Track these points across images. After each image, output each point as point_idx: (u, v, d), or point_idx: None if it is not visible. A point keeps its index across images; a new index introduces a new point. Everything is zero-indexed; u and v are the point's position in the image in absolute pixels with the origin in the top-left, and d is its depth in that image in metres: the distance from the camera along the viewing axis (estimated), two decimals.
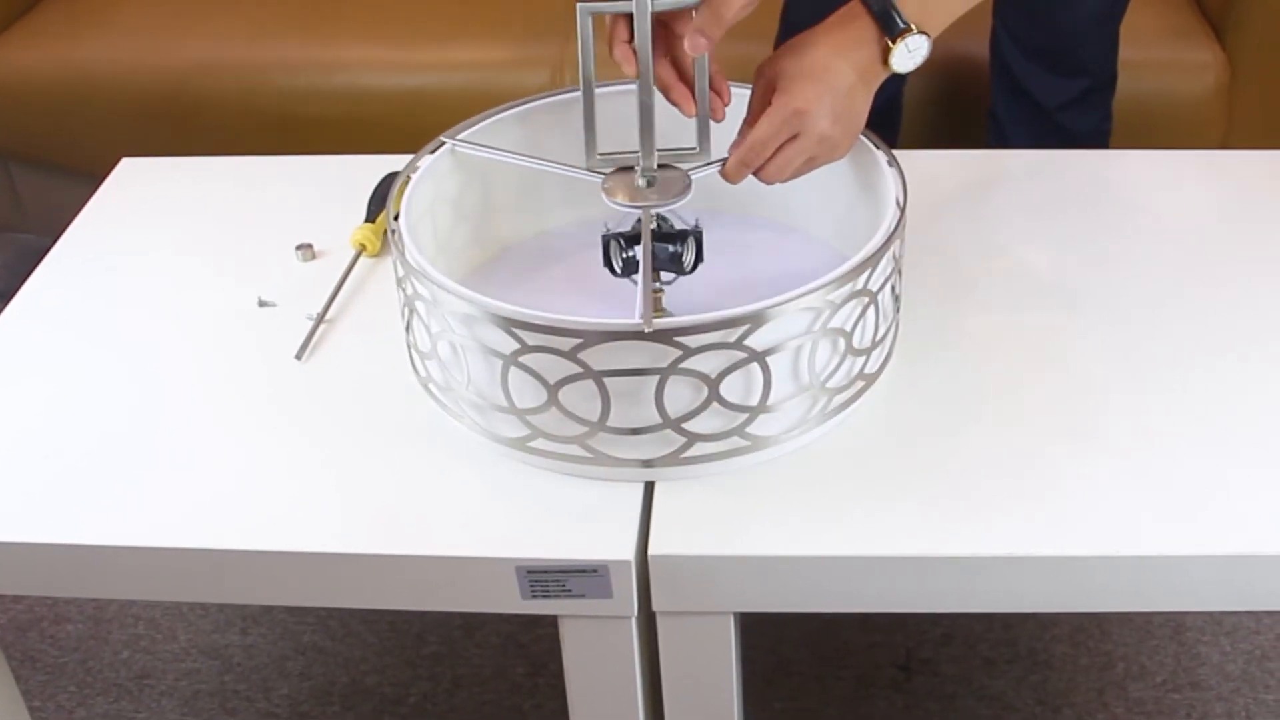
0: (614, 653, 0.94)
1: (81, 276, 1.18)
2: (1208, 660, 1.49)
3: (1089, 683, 1.47)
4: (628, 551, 0.88)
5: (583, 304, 1.08)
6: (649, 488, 0.93)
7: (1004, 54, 1.73)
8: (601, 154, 1.03)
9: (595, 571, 0.88)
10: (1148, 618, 1.54)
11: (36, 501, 0.95)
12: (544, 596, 0.90)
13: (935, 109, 1.88)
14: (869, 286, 0.92)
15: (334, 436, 0.99)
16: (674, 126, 1.02)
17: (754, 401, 0.91)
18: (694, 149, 1.02)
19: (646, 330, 0.86)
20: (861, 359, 0.95)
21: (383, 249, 1.17)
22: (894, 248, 0.95)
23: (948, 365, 1.02)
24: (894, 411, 0.98)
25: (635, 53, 0.96)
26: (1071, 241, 1.15)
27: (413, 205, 1.01)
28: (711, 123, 1.01)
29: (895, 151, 1.04)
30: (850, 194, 1.07)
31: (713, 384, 0.89)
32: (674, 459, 0.92)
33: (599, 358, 0.88)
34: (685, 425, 0.91)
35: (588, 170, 1.04)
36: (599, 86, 1.02)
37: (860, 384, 0.97)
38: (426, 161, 1.05)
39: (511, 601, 0.91)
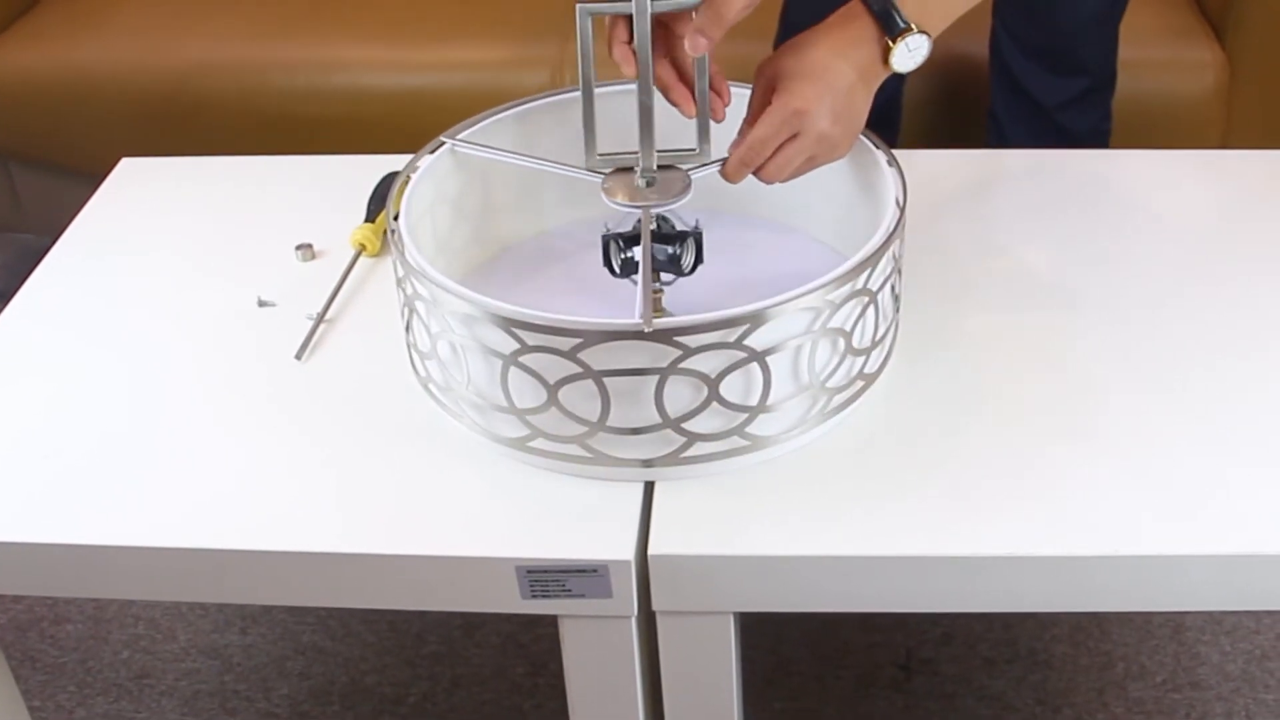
0: (614, 653, 0.94)
1: (81, 276, 1.18)
2: (1208, 660, 1.49)
3: (1089, 683, 1.47)
4: (627, 551, 0.88)
5: (582, 304, 1.08)
6: (649, 487, 0.93)
7: (1003, 53, 1.73)
8: (601, 154, 1.03)
9: (595, 571, 0.88)
10: (1148, 618, 1.54)
11: (36, 501, 0.95)
12: (544, 596, 0.90)
13: (935, 109, 1.88)
14: (869, 286, 0.92)
15: (334, 436, 0.99)
16: (674, 127, 1.02)
17: (754, 401, 0.91)
18: (694, 150, 1.02)
19: (646, 330, 0.86)
20: (861, 359, 0.95)
21: (383, 249, 1.17)
22: (894, 247, 0.95)
23: (948, 365, 1.02)
24: (894, 411, 0.98)
25: (635, 53, 0.96)
26: (1071, 241, 1.15)
27: (412, 205, 1.01)
28: (711, 123, 1.01)
29: (895, 151, 1.04)
30: (850, 194, 1.07)
31: (712, 384, 0.89)
32: (674, 459, 0.92)
33: (599, 357, 0.88)
34: (685, 425, 0.91)
35: (587, 170, 1.04)
36: (599, 87, 1.02)
37: (860, 384, 0.97)
38: (426, 161, 1.05)
39: (511, 601, 0.91)
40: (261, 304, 1.12)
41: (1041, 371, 1.01)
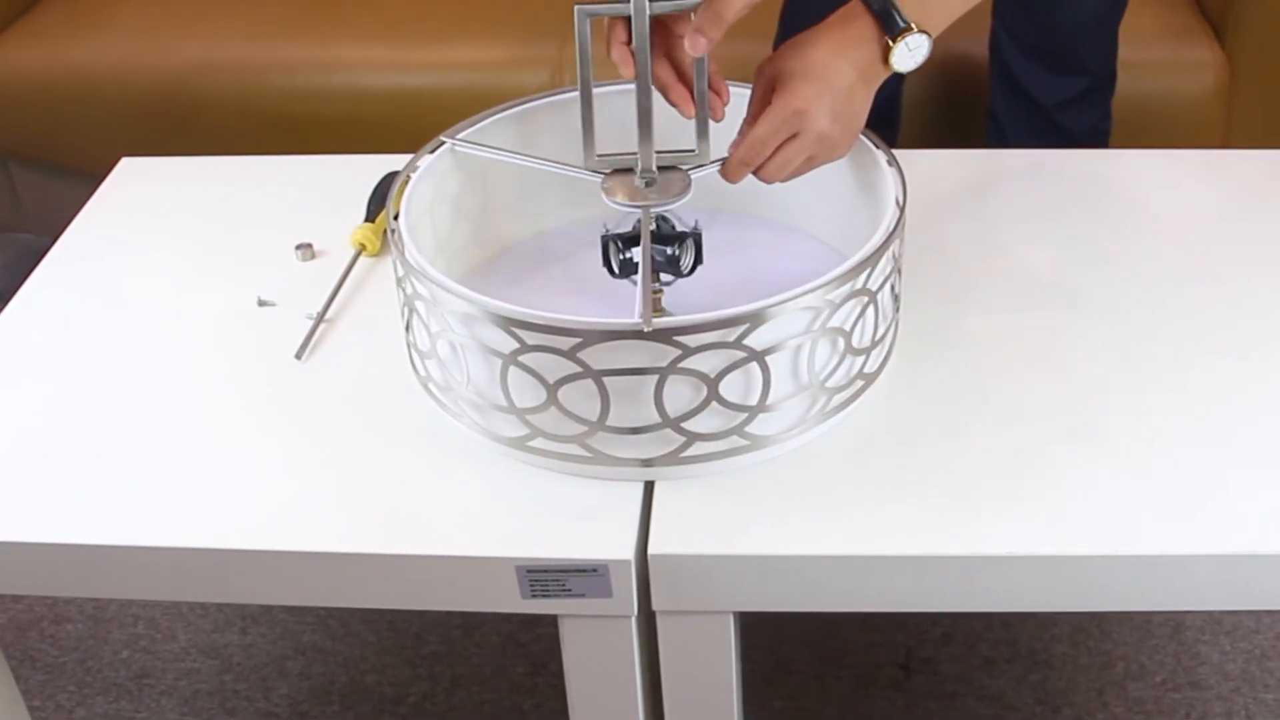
0: (614, 652, 0.94)
1: (81, 276, 1.18)
2: (1207, 660, 1.49)
3: (1089, 682, 1.47)
4: (627, 551, 0.88)
5: (582, 304, 1.08)
6: (649, 487, 0.93)
7: (1003, 53, 1.73)
8: (600, 155, 1.03)
9: (595, 571, 0.88)
10: (1147, 617, 1.54)
11: (36, 501, 0.95)
12: (544, 596, 0.90)
13: (935, 108, 1.88)
14: (868, 286, 0.92)
15: (334, 436, 0.99)
16: (673, 127, 1.02)
17: (753, 401, 0.91)
18: (693, 150, 1.02)
19: (646, 329, 0.86)
20: (861, 358, 0.95)
21: (382, 248, 1.17)
22: (893, 247, 0.95)
23: (947, 365, 1.02)
24: (894, 411, 0.98)
25: (634, 54, 0.96)
26: (1071, 241, 1.15)
27: (412, 205, 1.01)
28: (711, 123, 1.01)
29: (895, 151, 1.04)
30: (850, 194, 1.07)
31: (712, 383, 0.89)
32: (673, 458, 0.92)
33: (598, 357, 0.88)
34: (685, 424, 0.91)
35: (587, 170, 1.04)
36: (599, 86, 1.02)
37: (860, 383, 0.97)
38: (426, 161, 1.05)
39: (511, 601, 0.91)
40: (261, 304, 1.12)
41: (1041, 371, 1.01)
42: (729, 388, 0.90)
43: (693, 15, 0.94)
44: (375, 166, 1.24)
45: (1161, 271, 1.11)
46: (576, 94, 1.01)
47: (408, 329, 0.99)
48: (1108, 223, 1.17)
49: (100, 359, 1.08)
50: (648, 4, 0.94)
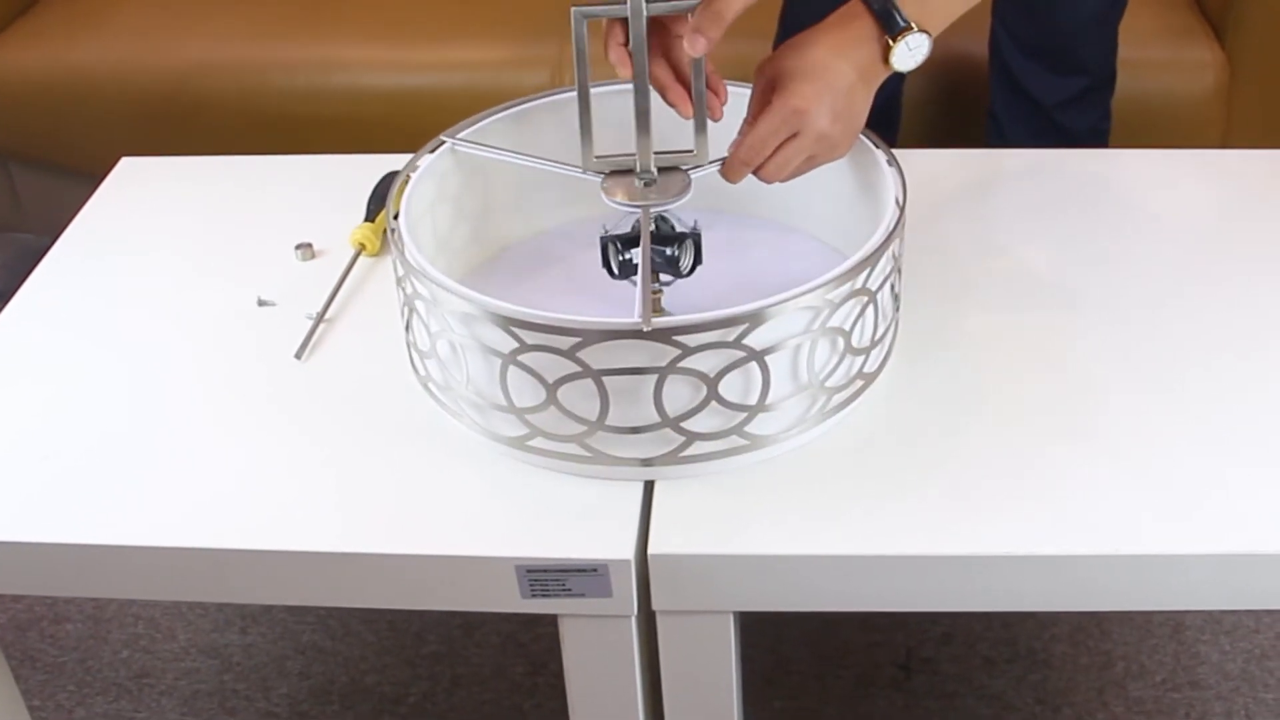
0: (614, 652, 0.94)
1: (81, 276, 1.18)
2: (1207, 659, 1.49)
3: (1089, 682, 1.47)
4: (627, 550, 0.88)
5: (582, 303, 1.08)
6: (648, 487, 0.93)
7: (1003, 53, 1.73)
8: (599, 156, 1.02)
9: (595, 571, 0.88)
10: (1147, 617, 1.54)
11: (36, 501, 0.95)
12: (544, 596, 0.90)
13: (935, 108, 1.88)
14: (868, 286, 0.92)
15: (334, 436, 0.99)
16: (673, 128, 1.02)
17: (753, 400, 0.91)
18: (692, 152, 1.02)
19: (645, 329, 0.86)
20: (860, 358, 0.95)
21: (382, 248, 1.17)
22: (893, 247, 0.95)
23: (947, 365, 1.02)
24: (893, 411, 0.98)
25: (631, 55, 0.96)
26: (1071, 241, 1.15)
27: (412, 205, 1.01)
28: (711, 123, 1.01)
29: (895, 151, 1.04)
30: (850, 193, 1.07)
31: (712, 383, 0.89)
32: (673, 458, 0.92)
33: (598, 357, 0.88)
34: (684, 424, 0.91)
35: (587, 170, 1.03)
36: (598, 86, 1.02)
37: (859, 383, 0.97)
38: (426, 161, 1.05)
39: (511, 601, 0.91)
40: (261, 304, 1.12)
41: (1041, 371, 1.01)
42: (728, 387, 0.90)
43: (690, 16, 0.94)
44: (375, 166, 1.24)
45: (1161, 271, 1.11)
46: (575, 94, 1.01)
47: (408, 329, 0.99)
48: (1108, 223, 1.17)
49: (100, 359, 1.08)
50: (644, 5, 0.94)
